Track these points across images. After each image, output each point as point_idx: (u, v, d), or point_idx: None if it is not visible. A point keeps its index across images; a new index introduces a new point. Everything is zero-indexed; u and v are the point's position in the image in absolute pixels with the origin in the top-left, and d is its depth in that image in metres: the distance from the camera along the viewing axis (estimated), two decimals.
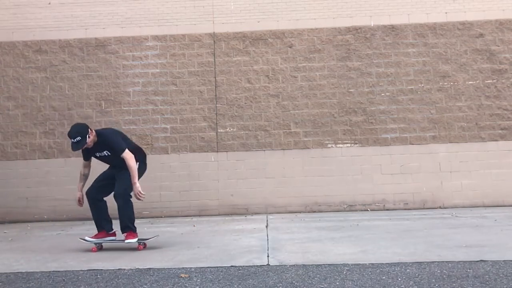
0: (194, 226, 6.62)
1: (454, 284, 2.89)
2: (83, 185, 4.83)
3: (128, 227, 4.65)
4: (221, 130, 8.38)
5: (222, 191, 8.22)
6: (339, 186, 8.18)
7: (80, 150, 4.58)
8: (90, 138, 4.51)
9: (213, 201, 8.21)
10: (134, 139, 8.38)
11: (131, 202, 4.70)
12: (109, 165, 4.91)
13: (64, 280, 3.37)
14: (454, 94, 8.37)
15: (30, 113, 8.45)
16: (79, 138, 4.41)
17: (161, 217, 8.11)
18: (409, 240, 4.67)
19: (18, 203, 8.21)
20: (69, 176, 8.27)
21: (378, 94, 8.40)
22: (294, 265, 3.63)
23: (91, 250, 4.64)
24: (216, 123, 8.39)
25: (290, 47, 8.54)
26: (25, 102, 8.47)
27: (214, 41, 8.58)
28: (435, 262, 3.56)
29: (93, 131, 4.59)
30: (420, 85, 8.40)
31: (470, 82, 8.37)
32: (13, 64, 8.56)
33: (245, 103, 8.42)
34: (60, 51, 8.59)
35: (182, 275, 3.38)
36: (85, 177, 4.86)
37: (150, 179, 8.24)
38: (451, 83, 8.39)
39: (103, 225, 4.77)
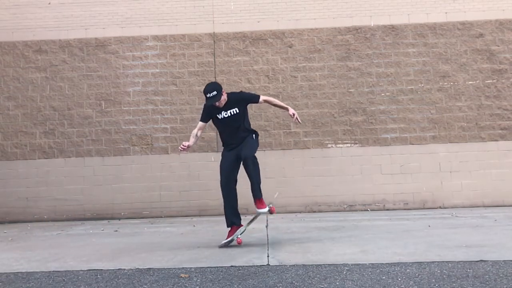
0: (194, 226, 6.62)
1: (454, 284, 2.89)
2: (193, 143, 4.79)
3: (259, 192, 4.71)
4: None
5: None
6: (339, 186, 8.18)
7: (204, 110, 4.73)
8: (223, 96, 4.63)
9: (213, 201, 8.20)
10: (134, 139, 8.39)
11: (259, 165, 4.76)
12: (229, 135, 4.85)
13: (64, 280, 3.37)
14: (454, 94, 8.37)
15: (30, 113, 8.46)
16: (215, 92, 4.54)
17: (161, 217, 8.11)
18: (409, 240, 4.66)
19: (18, 203, 8.21)
20: (69, 176, 8.29)
21: (378, 94, 8.40)
22: (294, 265, 3.62)
23: (237, 244, 4.66)
24: None
25: (290, 47, 8.54)
26: (25, 102, 8.48)
27: (214, 41, 8.58)
28: (435, 262, 3.55)
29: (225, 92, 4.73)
30: (420, 85, 8.40)
31: (470, 82, 8.37)
32: (13, 64, 8.56)
33: None
34: (60, 51, 8.59)
35: (182, 275, 3.38)
36: (196, 137, 4.85)
37: (150, 179, 8.26)
38: (451, 83, 8.39)
39: (234, 221, 4.83)
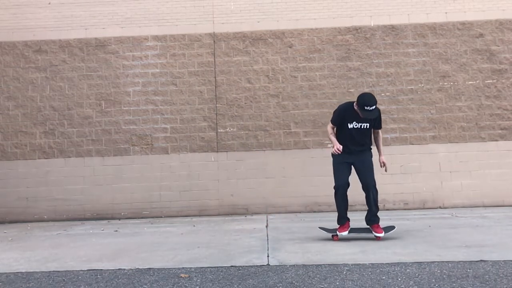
0: (194, 226, 6.62)
1: (454, 284, 2.89)
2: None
3: (376, 219, 4.79)
4: (221, 130, 8.38)
5: (222, 191, 8.22)
6: None
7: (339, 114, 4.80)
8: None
9: (213, 201, 8.21)
10: (134, 139, 8.40)
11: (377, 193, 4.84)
12: (350, 142, 4.81)
13: (64, 280, 3.37)
14: (454, 94, 8.37)
15: (30, 113, 8.46)
16: (374, 107, 4.53)
17: (161, 217, 8.11)
18: (409, 240, 4.67)
19: (18, 203, 8.21)
20: (69, 176, 8.29)
21: (378, 94, 8.39)
22: (294, 265, 3.62)
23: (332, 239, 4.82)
24: (216, 123, 8.39)
25: (290, 47, 8.54)
26: (25, 102, 8.48)
27: (214, 41, 8.58)
28: (435, 262, 3.56)
29: None
30: (420, 85, 8.40)
31: (470, 82, 8.37)
32: (13, 64, 8.56)
33: (245, 103, 8.42)
34: (60, 51, 8.59)
35: (182, 275, 3.38)
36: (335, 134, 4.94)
37: (150, 179, 8.26)
38: (451, 83, 8.39)
39: (347, 216, 4.88)
